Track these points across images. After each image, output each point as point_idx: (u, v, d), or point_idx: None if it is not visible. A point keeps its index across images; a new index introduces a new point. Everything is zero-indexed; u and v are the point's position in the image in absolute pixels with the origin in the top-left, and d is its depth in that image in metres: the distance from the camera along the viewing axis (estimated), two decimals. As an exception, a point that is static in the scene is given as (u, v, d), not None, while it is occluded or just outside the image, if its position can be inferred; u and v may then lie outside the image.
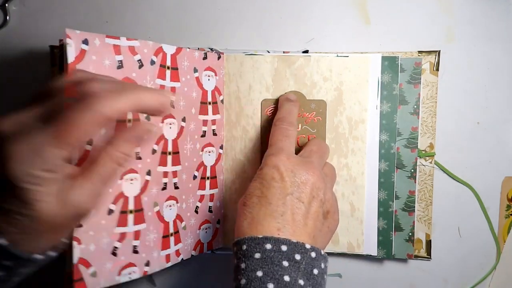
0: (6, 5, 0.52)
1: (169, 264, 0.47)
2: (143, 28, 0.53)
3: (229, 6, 0.53)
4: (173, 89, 0.46)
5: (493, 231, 0.54)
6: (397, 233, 0.51)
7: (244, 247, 0.37)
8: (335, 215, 0.43)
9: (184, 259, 0.48)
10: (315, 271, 0.37)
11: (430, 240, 0.52)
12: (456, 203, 0.54)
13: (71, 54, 0.38)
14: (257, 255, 0.36)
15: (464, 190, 0.54)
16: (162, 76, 0.45)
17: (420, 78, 0.51)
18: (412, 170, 0.51)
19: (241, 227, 0.40)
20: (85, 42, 0.39)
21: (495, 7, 0.53)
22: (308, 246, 0.38)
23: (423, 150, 0.52)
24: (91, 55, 0.39)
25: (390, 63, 0.50)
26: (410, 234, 0.51)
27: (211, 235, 0.52)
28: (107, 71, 0.40)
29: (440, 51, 0.51)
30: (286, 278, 0.35)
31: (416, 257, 0.52)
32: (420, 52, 0.52)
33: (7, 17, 0.53)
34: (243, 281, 0.35)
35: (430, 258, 0.52)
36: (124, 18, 0.53)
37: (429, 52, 0.52)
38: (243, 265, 0.36)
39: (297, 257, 0.37)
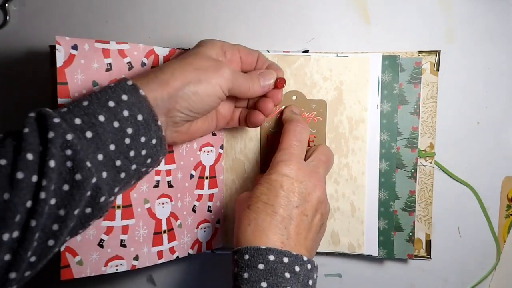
0: (6, 5, 0.52)
1: (162, 260, 0.46)
2: (143, 28, 0.53)
3: (229, 6, 0.53)
4: None
5: (493, 231, 0.53)
6: (398, 233, 0.50)
7: (247, 256, 0.37)
8: (325, 224, 0.44)
9: (180, 257, 0.48)
10: (310, 282, 0.38)
11: (430, 240, 0.51)
12: (456, 203, 0.53)
13: (60, 59, 0.41)
14: (261, 266, 0.36)
15: (464, 190, 0.53)
16: None
17: (420, 78, 0.50)
18: (413, 170, 0.50)
19: (244, 232, 0.39)
20: (75, 47, 0.41)
21: (495, 7, 0.52)
22: (305, 258, 0.38)
23: (423, 150, 0.51)
24: (80, 59, 0.41)
25: (390, 63, 0.49)
26: (411, 234, 0.50)
27: (211, 235, 0.51)
28: (96, 73, 0.42)
29: (440, 51, 0.51)
30: None
31: (416, 257, 0.51)
32: (420, 52, 0.51)
33: (7, 17, 0.52)
34: None
35: (430, 258, 0.52)
36: (124, 18, 0.53)
37: (429, 52, 0.51)
38: (246, 275, 0.36)
39: (297, 269, 0.37)
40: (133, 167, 0.36)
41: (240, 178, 0.51)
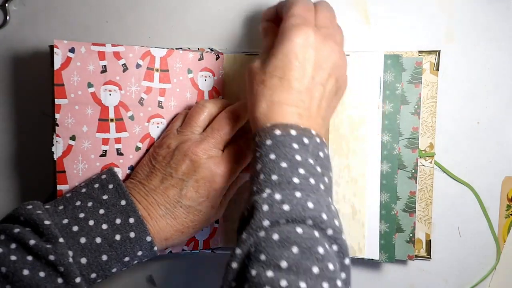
0: (6, 5, 0.50)
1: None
2: (143, 28, 0.51)
3: (229, 6, 0.51)
4: (162, 91, 0.46)
5: (493, 231, 0.52)
6: (398, 234, 0.49)
7: (257, 138, 0.36)
8: (345, 84, 0.42)
9: (172, 252, 0.48)
10: (321, 154, 0.37)
11: (430, 240, 0.50)
12: (456, 203, 0.52)
13: (57, 62, 0.42)
14: (268, 142, 0.35)
15: (464, 190, 0.52)
16: (149, 78, 0.46)
17: (421, 77, 0.49)
18: (413, 171, 0.49)
19: (259, 109, 0.37)
20: (72, 50, 0.43)
21: (495, 7, 0.51)
22: (313, 132, 0.37)
23: (423, 150, 0.50)
24: (76, 61, 0.43)
25: (393, 62, 0.48)
26: (411, 235, 0.49)
27: (208, 233, 0.49)
28: (91, 75, 0.43)
29: (440, 51, 0.49)
30: (298, 157, 0.35)
31: (416, 257, 0.50)
32: (420, 52, 0.49)
33: (7, 17, 0.51)
34: (258, 166, 0.35)
35: (430, 258, 0.50)
36: (124, 18, 0.51)
37: (429, 52, 0.50)
38: (257, 154, 0.36)
39: (305, 140, 0.36)
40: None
41: (240, 178, 0.50)
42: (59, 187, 0.43)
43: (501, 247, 0.52)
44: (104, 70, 0.44)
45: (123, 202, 0.39)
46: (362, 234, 0.48)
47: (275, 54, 0.38)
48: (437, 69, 0.50)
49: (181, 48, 0.50)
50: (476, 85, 0.51)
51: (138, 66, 0.45)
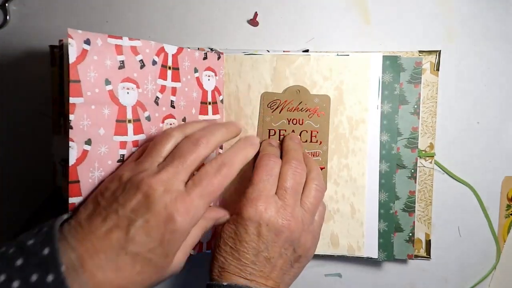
0: (6, 5, 0.50)
1: None
2: (144, 28, 0.51)
3: (229, 6, 0.51)
4: (174, 90, 0.44)
5: (493, 230, 0.52)
6: (397, 234, 0.49)
7: None
8: (310, 251, 0.43)
9: None
10: None
11: (430, 240, 0.50)
12: (456, 203, 0.52)
13: (72, 54, 0.35)
14: None
15: (464, 190, 0.52)
16: (163, 76, 0.43)
17: (420, 77, 0.49)
18: (413, 170, 0.49)
19: (213, 269, 0.41)
20: (87, 42, 0.37)
21: (495, 8, 0.51)
22: None
23: (423, 150, 0.50)
24: (92, 55, 0.37)
25: (391, 63, 0.48)
26: (410, 234, 0.49)
27: (211, 235, 0.49)
28: (108, 71, 0.38)
29: (440, 51, 0.49)
30: None
31: (416, 257, 0.50)
32: (420, 52, 0.49)
33: (7, 17, 0.51)
34: None
35: (430, 258, 0.50)
36: (125, 18, 0.51)
37: (430, 52, 0.49)
38: None
39: None
40: None
41: (239, 178, 0.50)
42: (71, 199, 0.36)
43: (501, 247, 0.52)
44: (121, 66, 0.39)
45: (46, 251, 0.30)
46: (361, 233, 0.48)
47: (230, 222, 0.41)
48: (438, 69, 0.50)
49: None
50: (476, 85, 0.51)
51: (154, 63, 0.41)
